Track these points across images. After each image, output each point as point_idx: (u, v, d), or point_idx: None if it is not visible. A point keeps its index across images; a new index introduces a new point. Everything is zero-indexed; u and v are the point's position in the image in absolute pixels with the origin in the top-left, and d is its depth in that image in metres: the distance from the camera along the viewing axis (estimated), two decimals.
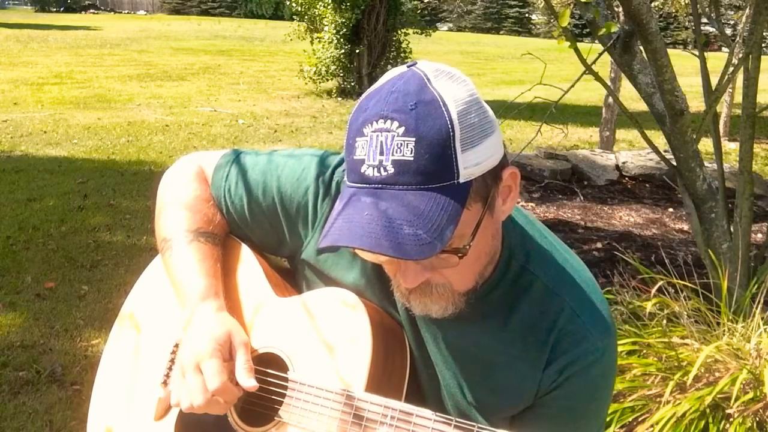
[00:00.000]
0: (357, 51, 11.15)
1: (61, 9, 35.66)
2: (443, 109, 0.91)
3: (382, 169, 0.90)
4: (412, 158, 0.89)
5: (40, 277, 3.95)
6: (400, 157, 0.89)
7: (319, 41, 11.32)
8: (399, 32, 11.87)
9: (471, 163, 0.91)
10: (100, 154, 6.96)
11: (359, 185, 0.92)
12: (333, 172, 1.17)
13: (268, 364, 1.13)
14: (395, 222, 0.88)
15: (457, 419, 0.99)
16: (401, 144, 0.89)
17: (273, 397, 1.12)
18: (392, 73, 0.97)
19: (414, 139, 0.89)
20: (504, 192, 0.99)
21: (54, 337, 3.30)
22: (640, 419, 2.33)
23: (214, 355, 1.07)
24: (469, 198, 0.92)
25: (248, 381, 1.07)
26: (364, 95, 0.98)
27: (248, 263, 1.24)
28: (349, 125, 0.96)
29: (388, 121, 0.90)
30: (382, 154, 0.90)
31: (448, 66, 0.98)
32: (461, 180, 0.91)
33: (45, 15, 32.05)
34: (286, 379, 1.11)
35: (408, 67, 0.96)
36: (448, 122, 0.90)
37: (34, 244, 4.43)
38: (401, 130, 0.90)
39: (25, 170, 6.15)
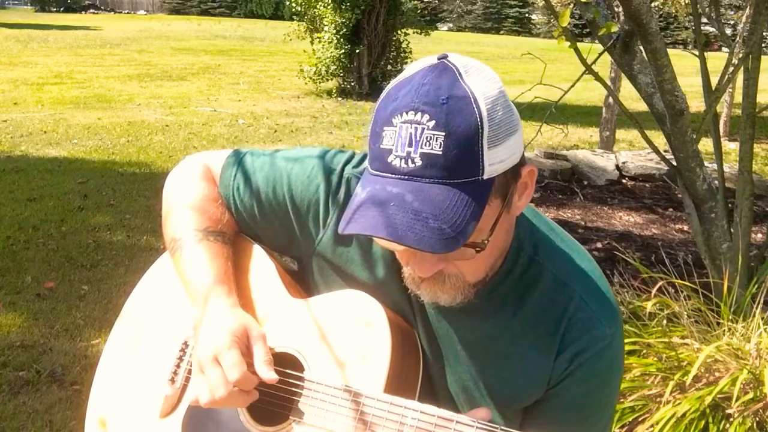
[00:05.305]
0: (357, 51, 11.15)
1: (61, 9, 35.66)
2: (474, 105, 0.91)
3: (409, 161, 0.91)
4: (440, 152, 0.90)
5: (40, 277, 3.95)
6: (428, 151, 0.90)
7: (319, 41, 11.32)
8: (399, 32, 11.87)
9: (496, 161, 0.93)
10: (100, 154, 6.96)
11: (385, 174, 0.93)
12: (343, 170, 1.17)
13: (283, 363, 1.12)
14: (421, 215, 0.90)
15: (480, 421, 0.99)
16: (431, 137, 0.90)
17: (287, 396, 1.11)
18: (422, 63, 0.97)
19: (444, 133, 0.90)
20: (521, 188, 1.01)
21: (54, 337, 3.30)
22: (640, 419, 2.33)
23: (232, 347, 1.07)
24: (491, 194, 0.94)
25: (268, 373, 1.07)
26: (392, 84, 0.98)
27: (260, 262, 1.23)
28: (376, 112, 0.96)
29: (419, 114, 0.91)
30: (410, 146, 0.91)
31: (477, 61, 0.98)
32: (485, 177, 0.92)
33: (45, 15, 32.06)
34: (302, 379, 1.11)
35: (438, 59, 0.96)
36: (478, 119, 0.91)
37: (34, 244, 4.43)
38: (432, 123, 0.90)
39: (25, 170, 6.15)
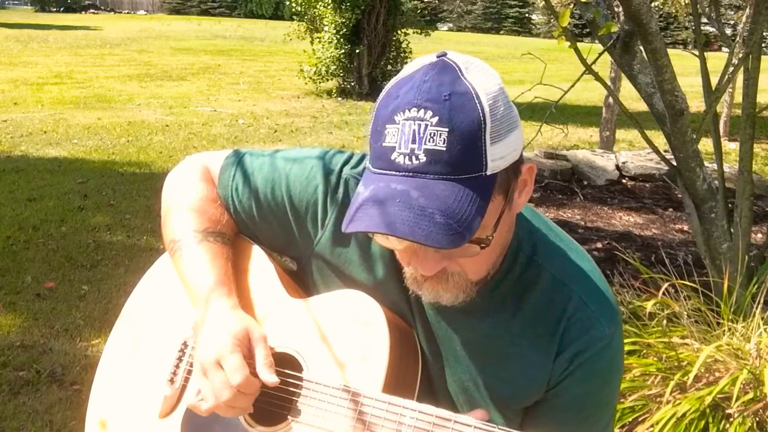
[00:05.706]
0: (357, 51, 11.15)
1: (61, 9, 35.66)
2: (476, 101, 0.92)
3: (413, 157, 0.91)
4: (444, 148, 0.90)
5: (40, 277, 3.95)
6: (432, 147, 0.90)
7: (319, 41, 11.32)
8: (399, 32, 11.87)
9: (498, 156, 0.93)
10: (100, 154, 6.96)
11: (388, 172, 0.93)
12: (341, 170, 1.17)
13: (282, 363, 1.12)
14: (427, 211, 0.90)
15: (477, 422, 0.99)
16: (434, 134, 0.90)
17: (286, 396, 1.11)
18: (421, 62, 0.98)
19: (447, 129, 0.90)
20: (521, 185, 1.01)
21: (54, 337, 3.30)
22: (640, 419, 2.33)
23: (234, 351, 1.07)
24: (494, 190, 0.94)
25: (269, 376, 1.07)
26: (392, 83, 0.98)
27: (260, 263, 1.24)
28: (376, 111, 0.96)
29: (422, 110, 0.91)
30: (414, 142, 0.91)
31: (476, 58, 0.98)
32: (488, 172, 0.93)
33: (45, 15, 32.05)
34: (301, 379, 1.11)
35: (438, 57, 0.97)
36: (481, 114, 0.91)
37: (34, 244, 4.43)
38: (435, 119, 0.91)
39: (25, 170, 6.15)
